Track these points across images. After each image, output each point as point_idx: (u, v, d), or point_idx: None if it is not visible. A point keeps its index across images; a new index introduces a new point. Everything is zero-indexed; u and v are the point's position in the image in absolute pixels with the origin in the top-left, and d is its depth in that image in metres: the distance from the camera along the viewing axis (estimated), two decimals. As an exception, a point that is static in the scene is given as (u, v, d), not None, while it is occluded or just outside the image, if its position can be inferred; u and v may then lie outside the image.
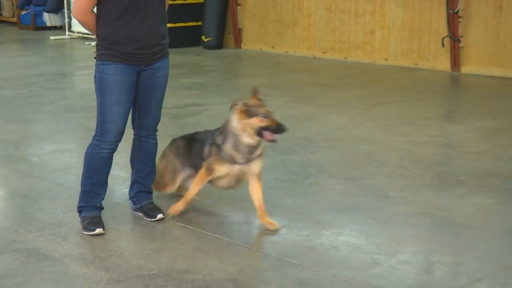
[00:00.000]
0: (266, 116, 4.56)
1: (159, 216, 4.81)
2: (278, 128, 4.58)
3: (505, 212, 4.97)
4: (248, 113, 4.56)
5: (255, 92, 4.66)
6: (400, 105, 8.44)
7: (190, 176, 5.02)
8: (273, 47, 12.63)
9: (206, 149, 4.82)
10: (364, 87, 9.51)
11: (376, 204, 5.14)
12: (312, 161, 6.22)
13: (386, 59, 11.19)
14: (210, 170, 4.74)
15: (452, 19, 10.29)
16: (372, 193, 5.36)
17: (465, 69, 10.38)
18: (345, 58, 11.63)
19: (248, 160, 4.68)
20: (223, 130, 4.74)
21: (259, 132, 4.57)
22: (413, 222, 4.81)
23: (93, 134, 4.66)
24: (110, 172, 4.73)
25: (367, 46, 11.44)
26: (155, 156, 5.00)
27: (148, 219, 4.83)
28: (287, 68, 11.12)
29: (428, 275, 4.06)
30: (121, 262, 4.17)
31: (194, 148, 5.00)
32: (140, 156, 4.90)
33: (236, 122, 4.62)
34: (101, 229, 4.57)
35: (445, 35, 10.42)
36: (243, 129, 4.59)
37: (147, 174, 4.93)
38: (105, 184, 4.73)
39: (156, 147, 4.95)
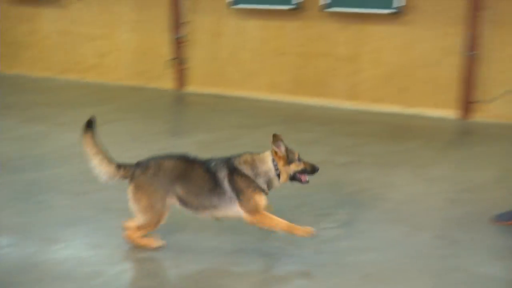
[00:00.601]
0: (301, 160, 4.49)
1: None
2: (313, 170, 4.53)
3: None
4: (287, 159, 4.45)
5: (280, 138, 4.45)
6: (129, 122, 8.41)
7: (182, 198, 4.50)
8: (8, 69, 11.99)
9: (236, 178, 4.43)
10: (96, 106, 9.32)
11: (102, 216, 5.06)
12: (42, 178, 5.97)
13: (119, 79, 11.12)
14: (260, 200, 4.44)
15: (177, 43, 10.47)
16: (99, 207, 5.26)
17: (189, 88, 10.61)
18: (80, 79, 11.38)
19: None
20: (254, 166, 4.46)
21: (294, 176, 4.50)
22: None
23: None
24: None
25: (100, 67, 11.28)
26: None
27: None
28: (21, 88, 10.63)
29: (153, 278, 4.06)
30: None
31: (198, 172, 4.51)
32: None
33: (273, 166, 4.46)
34: None
35: (171, 57, 10.58)
36: (281, 174, 4.46)
37: None
38: None
39: None
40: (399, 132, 8.30)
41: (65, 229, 4.79)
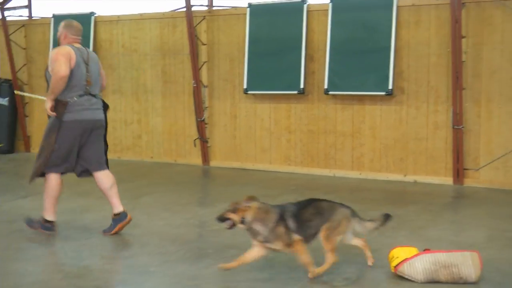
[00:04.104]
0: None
1: None
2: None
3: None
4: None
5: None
6: (161, 194, 8.42)
7: None
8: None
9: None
10: (132, 182, 9.38)
11: (139, 279, 4.99)
12: (87, 245, 5.94)
13: (152, 157, 11.20)
14: None
15: (200, 125, 10.59)
16: (136, 270, 5.20)
17: (213, 163, 10.67)
18: (119, 158, 11.48)
19: None
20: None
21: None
22: (169, 292, 4.73)
23: None
24: None
25: (136, 147, 11.39)
26: None
27: None
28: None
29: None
30: None
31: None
32: None
33: None
34: None
35: (196, 137, 10.68)
36: None
37: None
38: None
39: None
40: (399, 197, 8.25)
41: None
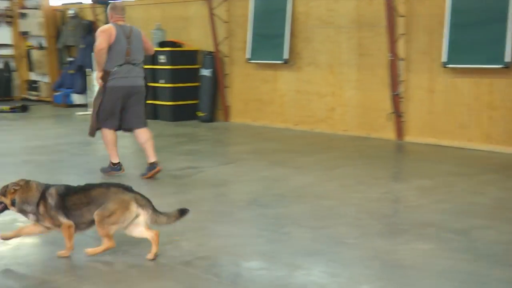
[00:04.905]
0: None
1: None
2: None
3: (439, 256, 4.90)
4: None
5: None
6: (355, 167, 8.40)
7: None
8: (254, 121, 12.66)
9: None
10: (326, 153, 9.49)
11: (337, 249, 5.07)
12: (285, 213, 6.15)
13: (345, 130, 11.22)
14: None
15: (395, 99, 10.38)
16: (334, 240, 5.28)
17: (407, 138, 10.43)
18: (312, 130, 11.66)
19: None
20: None
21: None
22: (367, 264, 4.73)
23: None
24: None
25: (329, 120, 11.48)
26: None
27: None
28: (265, 137, 11.10)
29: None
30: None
31: None
32: None
33: None
34: None
35: (390, 111, 10.49)
36: None
37: None
38: None
39: None
40: None
41: (306, 258, 4.86)
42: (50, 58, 16.88)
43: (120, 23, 7.52)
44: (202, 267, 4.65)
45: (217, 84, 13.05)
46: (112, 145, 7.68)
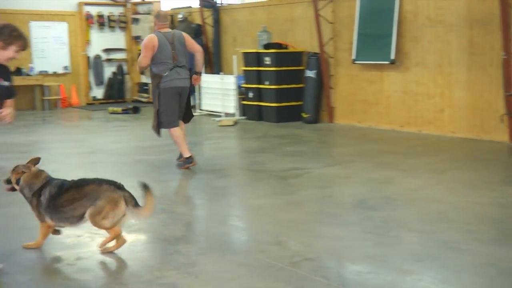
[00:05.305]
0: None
1: None
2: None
3: (561, 265, 4.64)
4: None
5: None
6: (465, 171, 8.11)
7: None
8: (359, 122, 12.52)
9: None
10: (434, 156, 9.22)
11: (448, 255, 4.91)
12: (393, 217, 6.03)
13: (453, 132, 10.87)
14: None
15: (509, 100, 9.92)
16: (445, 245, 5.12)
17: (520, 141, 9.96)
18: (419, 131, 11.38)
19: None
20: None
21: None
22: (481, 272, 4.55)
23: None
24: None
25: (437, 121, 11.16)
26: None
27: None
28: (371, 139, 10.94)
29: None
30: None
31: None
32: None
33: None
34: None
35: (503, 113, 10.04)
36: None
37: None
38: None
39: None
40: None
41: (416, 263, 4.75)
42: (160, 61, 17.46)
43: (163, 30, 8.18)
44: (311, 268, 4.65)
45: (321, 85, 13.02)
46: (182, 141, 8.26)
